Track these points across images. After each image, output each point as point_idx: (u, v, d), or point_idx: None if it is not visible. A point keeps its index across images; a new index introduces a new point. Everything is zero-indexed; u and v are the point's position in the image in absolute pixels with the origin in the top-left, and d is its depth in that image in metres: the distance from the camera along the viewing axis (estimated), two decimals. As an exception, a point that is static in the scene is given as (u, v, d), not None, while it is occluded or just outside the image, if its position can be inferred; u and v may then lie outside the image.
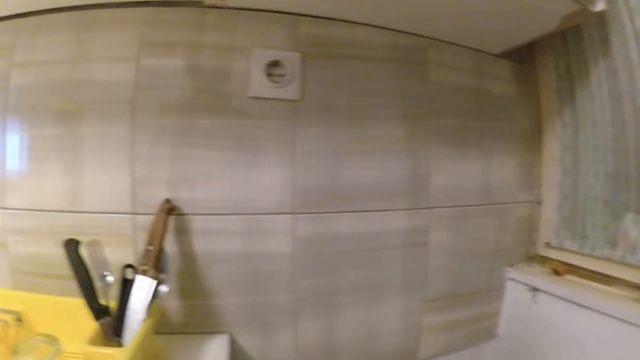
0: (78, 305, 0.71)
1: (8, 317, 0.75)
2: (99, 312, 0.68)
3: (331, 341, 0.94)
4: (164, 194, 0.80)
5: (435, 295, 1.03)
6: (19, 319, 0.76)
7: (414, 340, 1.03)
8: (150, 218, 0.77)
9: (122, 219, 0.81)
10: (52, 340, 0.67)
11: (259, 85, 0.83)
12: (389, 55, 0.95)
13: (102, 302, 0.68)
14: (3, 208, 0.85)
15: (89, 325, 0.68)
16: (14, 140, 0.85)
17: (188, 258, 0.83)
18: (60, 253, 0.81)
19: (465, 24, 0.95)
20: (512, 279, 1.14)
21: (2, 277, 0.87)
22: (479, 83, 1.07)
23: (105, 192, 0.81)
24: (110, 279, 0.71)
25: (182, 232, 0.82)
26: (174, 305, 0.84)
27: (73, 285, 0.75)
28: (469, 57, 1.06)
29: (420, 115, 0.98)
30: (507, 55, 1.11)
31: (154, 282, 0.69)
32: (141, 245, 0.77)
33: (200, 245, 0.83)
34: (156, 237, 0.73)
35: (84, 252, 0.68)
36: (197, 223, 0.82)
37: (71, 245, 0.67)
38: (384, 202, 0.93)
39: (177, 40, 0.83)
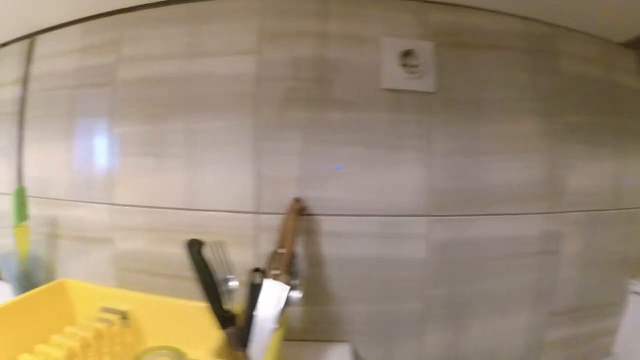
0: (188, 307, 0.71)
1: (114, 317, 0.73)
2: (225, 320, 0.63)
3: (455, 356, 0.86)
4: (292, 193, 0.75)
5: (560, 309, 0.94)
6: (125, 318, 0.74)
7: (533, 358, 0.95)
8: (275, 218, 0.73)
9: (244, 219, 0.76)
10: (178, 355, 0.63)
11: (394, 76, 0.76)
12: (520, 44, 0.87)
13: (229, 309, 0.63)
14: (111, 204, 0.83)
15: (199, 329, 0.66)
16: (124, 136, 0.83)
17: (314, 261, 0.77)
18: (170, 252, 0.79)
19: (595, 9, 0.86)
20: (636, 293, 1.04)
21: (106, 273, 0.87)
22: (607, 75, 0.97)
23: (225, 190, 0.77)
24: (234, 283, 0.65)
25: (310, 234, 0.77)
26: (294, 311, 0.79)
27: (183, 285, 0.74)
28: (596, 46, 0.97)
29: (554, 111, 0.88)
30: (632, 44, 1.00)
31: (287, 288, 0.63)
32: (263, 247, 0.72)
33: (328, 248, 0.77)
34: (288, 240, 0.67)
35: (208, 253, 0.63)
36: (326, 224, 0.77)
37: (194, 246, 0.62)
38: (519, 205, 0.85)
39: (300, 30, 0.78)
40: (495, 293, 0.85)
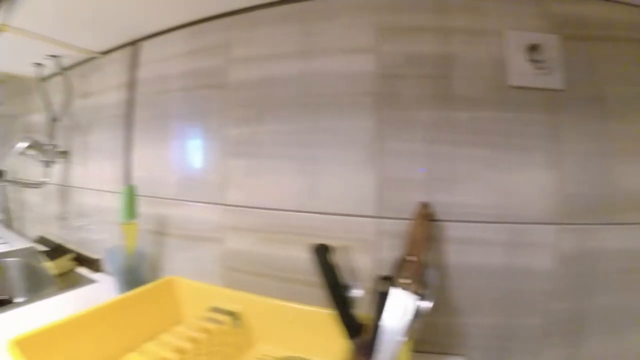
0: (303, 312, 0.69)
1: (224, 317, 0.72)
2: (353, 328, 0.60)
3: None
4: (417, 197, 0.71)
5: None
6: (236, 318, 0.73)
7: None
8: (398, 223, 0.69)
9: (364, 223, 0.73)
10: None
11: (522, 72, 0.71)
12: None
13: (357, 317, 0.60)
14: (222, 204, 0.83)
15: (315, 335, 0.66)
16: (236, 137, 0.83)
17: (436, 269, 0.73)
18: (281, 254, 0.77)
19: None
20: None
21: (212, 271, 0.87)
22: None
23: (344, 192, 0.74)
24: (358, 291, 0.62)
25: (433, 240, 0.72)
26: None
27: (292, 288, 0.75)
28: None
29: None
30: None
31: (416, 298, 0.59)
32: (384, 253, 0.69)
33: (452, 255, 0.72)
34: (417, 247, 0.63)
35: (334, 259, 0.60)
36: (451, 231, 0.72)
37: (322, 251, 0.60)
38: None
39: (419, 25, 0.74)
40: (614, 309, 0.77)
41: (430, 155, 0.71)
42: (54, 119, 1.34)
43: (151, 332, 0.73)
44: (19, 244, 1.58)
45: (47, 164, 1.32)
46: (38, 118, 1.63)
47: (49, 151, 1.29)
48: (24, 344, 0.54)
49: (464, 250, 0.71)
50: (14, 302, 1.21)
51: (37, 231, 1.60)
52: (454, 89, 0.72)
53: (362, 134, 0.73)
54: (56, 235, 1.46)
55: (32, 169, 1.51)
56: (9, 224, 1.98)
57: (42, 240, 1.48)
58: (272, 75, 0.81)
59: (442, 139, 0.71)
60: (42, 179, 1.35)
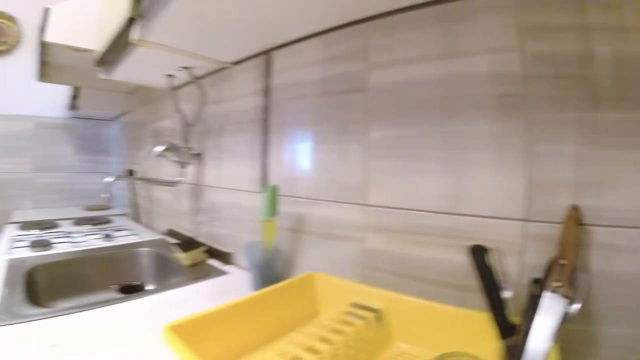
0: (447, 312, 0.69)
1: (365, 314, 0.74)
2: (505, 329, 0.62)
3: None
4: (565, 200, 0.71)
5: None
6: (379, 315, 0.75)
7: None
8: (546, 226, 0.69)
9: (510, 225, 0.73)
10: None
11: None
12: None
13: (511, 319, 0.62)
14: (364, 205, 0.87)
15: (460, 336, 0.66)
16: (379, 140, 0.86)
17: (587, 274, 0.72)
18: (422, 254, 0.79)
19: None
20: None
21: (348, 269, 0.91)
22: None
23: (491, 195, 0.75)
24: (508, 292, 0.64)
25: (580, 245, 0.72)
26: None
27: (431, 289, 0.76)
28: None
29: None
30: None
31: (566, 302, 0.60)
32: (529, 256, 0.69)
33: (598, 262, 0.70)
34: (568, 250, 0.64)
35: (489, 259, 0.62)
36: (598, 236, 0.70)
37: (478, 252, 0.62)
38: None
39: (561, 23, 0.72)
40: None
41: (579, 158, 0.70)
42: (188, 124, 1.47)
43: (293, 324, 0.78)
44: (148, 236, 1.74)
45: (183, 164, 1.45)
46: (167, 124, 1.79)
47: (184, 153, 1.42)
48: (177, 330, 0.59)
49: (609, 257, 0.70)
50: (147, 289, 1.35)
51: (165, 225, 1.76)
52: (600, 89, 0.70)
53: (509, 135, 0.74)
54: (186, 229, 1.60)
55: (167, 169, 1.67)
56: (136, 218, 2.18)
57: (171, 233, 1.62)
58: (413, 78, 0.83)
59: (591, 141, 0.69)
60: (177, 178, 1.49)
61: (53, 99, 2.84)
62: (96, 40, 1.45)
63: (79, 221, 2.14)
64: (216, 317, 0.67)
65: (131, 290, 1.38)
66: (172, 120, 1.73)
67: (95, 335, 0.80)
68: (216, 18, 0.92)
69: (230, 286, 1.11)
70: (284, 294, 0.80)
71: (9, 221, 2.23)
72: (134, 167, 2.18)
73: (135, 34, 1.02)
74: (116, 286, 1.39)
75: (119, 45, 1.19)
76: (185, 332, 0.59)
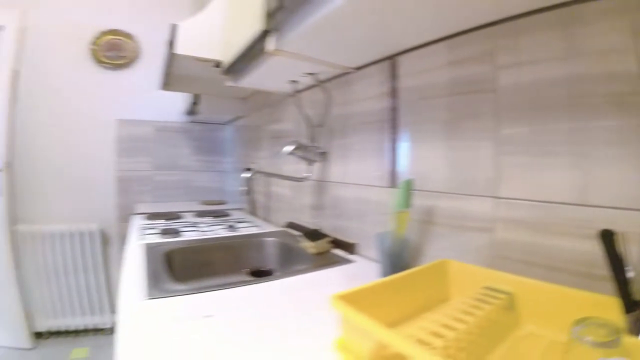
0: (569, 294, 0.73)
1: (499, 295, 0.79)
2: (630, 305, 0.66)
3: None
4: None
5: None
6: (510, 300, 0.80)
7: None
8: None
9: (635, 216, 0.76)
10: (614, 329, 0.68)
11: None
12: None
13: (634, 296, 0.66)
14: (497, 197, 0.94)
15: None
16: (509, 137, 0.92)
17: None
18: (552, 244, 0.83)
19: None
20: None
21: (477, 259, 0.97)
22: None
23: (615, 187, 0.78)
24: (631, 273, 0.68)
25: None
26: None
27: (558, 277, 0.79)
28: None
29: None
30: None
31: None
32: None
33: None
34: None
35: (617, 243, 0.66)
36: None
37: (607, 235, 0.67)
38: None
39: None
40: None
41: None
42: (313, 125, 1.61)
43: (426, 306, 0.85)
44: (269, 228, 1.91)
45: (309, 162, 1.59)
46: (287, 126, 1.96)
47: (311, 152, 1.56)
48: (344, 298, 0.69)
49: None
50: (275, 274, 1.49)
51: (284, 218, 1.92)
52: None
53: (630, 131, 0.76)
54: (307, 222, 1.74)
55: (287, 167, 1.83)
56: (253, 212, 2.38)
57: (292, 226, 1.77)
58: (539, 79, 0.87)
59: None
60: (304, 175, 1.64)
61: (171, 105, 3.19)
62: (222, 51, 1.63)
63: (200, 213, 2.38)
64: (371, 291, 0.77)
65: (260, 274, 1.54)
66: (293, 122, 1.89)
67: (246, 309, 0.93)
68: (351, 29, 1.03)
69: (359, 273, 1.22)
70: (420, 278, 0.88)
71: (133, 212, 2.55)
72: (251, 166, 2.37)
73: (270, 44, 1.16)
74: (247, 270, 1.55)
75: (250, 55, 1.33)
76: (348, 300, 0.69)
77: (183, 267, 1.44)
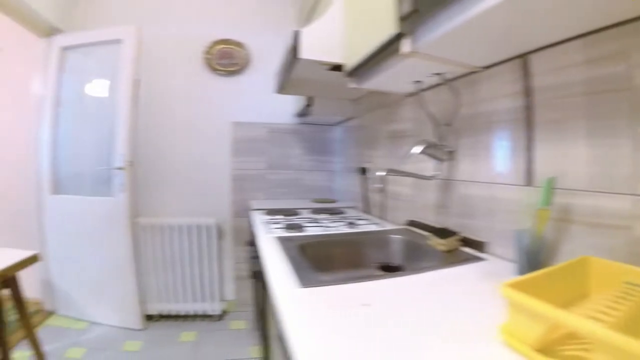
0: None
1: None
2: None
3: None
4: None
5: None
6: None
7: None
8: None
9: None
10: None
11: None
12: None
13: None
14: (636, 195, 0.92)
15: None
16: None
17: None
18: None
19: None
20: None
21: (615, 257, 0.94)
22: None
23: None
24: None
25: None
26: None
27: None
28: None
29: None
30: None
31: None
32: None
33: None
34: None
35: None
36: None
37: None
38: None
39: None
40: None
41: None
42: (441, 124, 1.64)
43: (571, 300, 0.86)
44: (389, 225, 1.96)
45: (439, 161, 1.62)
46: (406, 125, 2.00)
47: (440, 151, 1.58)
48: (513, 286, 0.72)
49: None
50: (405, 270, 1.53)
51: (404, 216, 1.96)
52: None
53: None
54: (431, 220, 1.77)
55: (409, 165, 1.87)
56: (366, 210, 2.45)
57: (413, 224, 1.81)
58: None
59: None
60: (433, 173, 1.67)
61: (282, 108, 3.40)
62: (344, 55, 1.70)
63: (315, 211, 2.49)
64: (531, 282, 0.79)
65: (390, 269, 1.59)
66: (413, 121, 1.93)
67: (398, 299, 0.99)
68: (491, 30, 1.05)
69: (493, 270, 1.22)
70: (564, 273, 0.88)
71: (247, 209, 2.74)
72: (365, 165, 2.44)
73: (406, 47, 1.21)
74: (376, 265, 1.60)
75: (379, 58, 1.40)
76: (519, 288, 0.72)
77: (316, 260, 1.52)
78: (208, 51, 3.39)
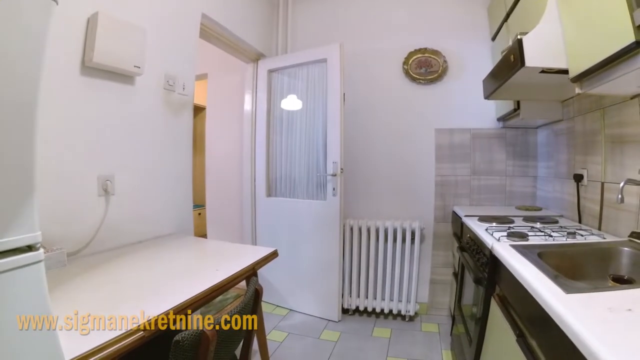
0: None
1: None
2: None
3: None
4: None
5: None
6: None
7: None
8: None
9: None
10: None
11: None
12: None
13: None
14: None
15: None
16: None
17: None
18: None
19: None
20: None
21: None
22: None
23: None
24: None
25: None
26: None
27: None
28: None
29: None
30: None
31: None
32: None
33: None
34: None
35: None
36: None
37: None
38: None
39: None
40: None
41: None
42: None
43: None
44: (610, 237, 1.85)
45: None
46: (629, 130, 1.86)
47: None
48: None
49: None
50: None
51: (627, 228, 1.81)
52: None
53: None
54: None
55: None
56: (579, 219, 2.32)
57: (637, 235, 1.67)
58: None
59: None
60: None
61: (482, 113, 3.38)
62: (570, 59, 1.67)
63: (527, 218, 2.44)
64: None
65: (622, 281, 1.49)
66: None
67: None
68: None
69: None
70: None
71: (450, 214, 3.01)
72: (580, 172, 2.32)
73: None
74: (610, 276, 1.52)
75: (614, 64, 1.35)
76: None
77: (558, 269, 1.50)
78: (405, 61, 3.58)
